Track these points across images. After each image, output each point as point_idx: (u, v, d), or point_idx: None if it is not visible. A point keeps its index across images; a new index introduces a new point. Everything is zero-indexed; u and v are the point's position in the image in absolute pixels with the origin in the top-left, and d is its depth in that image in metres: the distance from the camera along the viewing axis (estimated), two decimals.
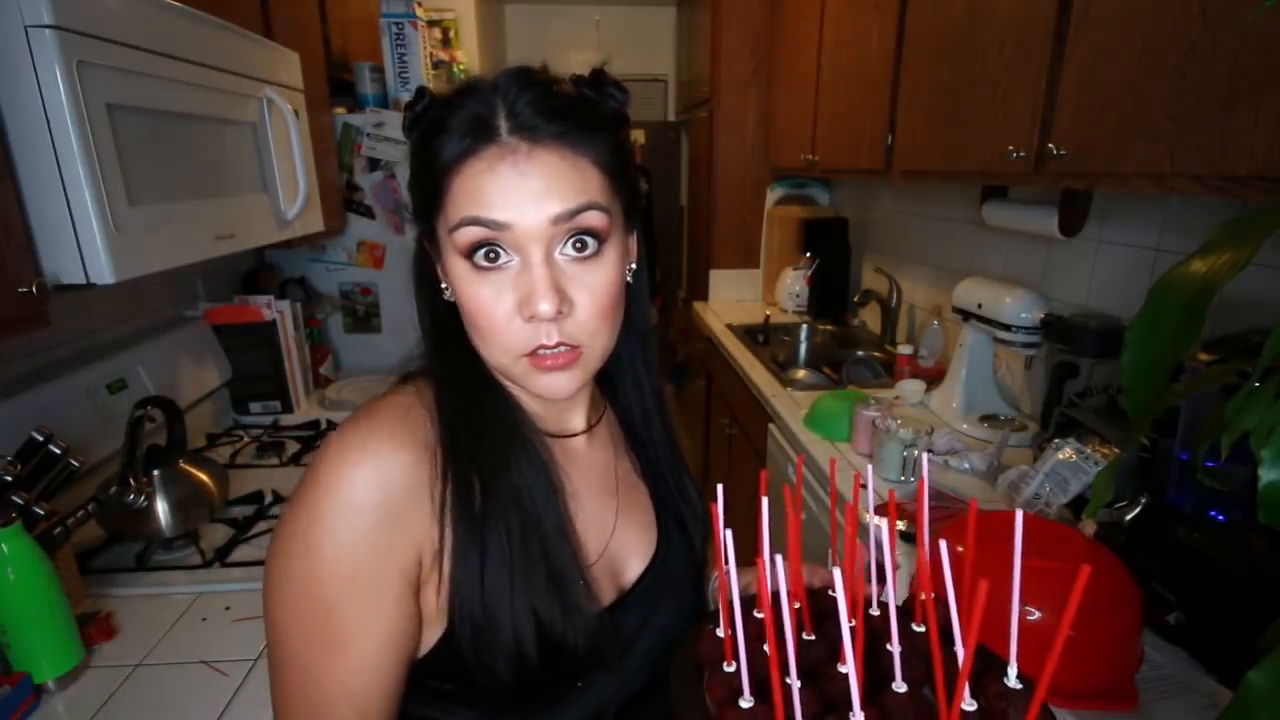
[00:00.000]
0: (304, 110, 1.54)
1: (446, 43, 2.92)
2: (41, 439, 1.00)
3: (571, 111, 0.54)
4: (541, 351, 0.54)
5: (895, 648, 0.47)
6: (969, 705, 0.44)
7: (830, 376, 2.21)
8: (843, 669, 0.48)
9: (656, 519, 0.70)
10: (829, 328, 2.66)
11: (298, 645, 0.52)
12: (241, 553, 1.20)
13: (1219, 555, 0.90)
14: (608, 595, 0.62)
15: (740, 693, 0.46)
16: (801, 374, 2.35)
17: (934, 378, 1.90)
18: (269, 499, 1.38)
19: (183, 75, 1.09)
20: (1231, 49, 0.84)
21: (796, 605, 0.54)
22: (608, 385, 0.72)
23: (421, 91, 0.58)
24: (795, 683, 0.41)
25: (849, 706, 0.41)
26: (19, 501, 0.91)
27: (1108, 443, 1.16)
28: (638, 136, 4.23)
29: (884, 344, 2.36)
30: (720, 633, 0.52)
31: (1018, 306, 1.51)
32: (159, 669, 0.93)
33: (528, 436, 0.60)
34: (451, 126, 0.53)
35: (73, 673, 0.90)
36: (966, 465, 1.44)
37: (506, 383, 0.61)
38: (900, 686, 0.47)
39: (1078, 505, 1.15)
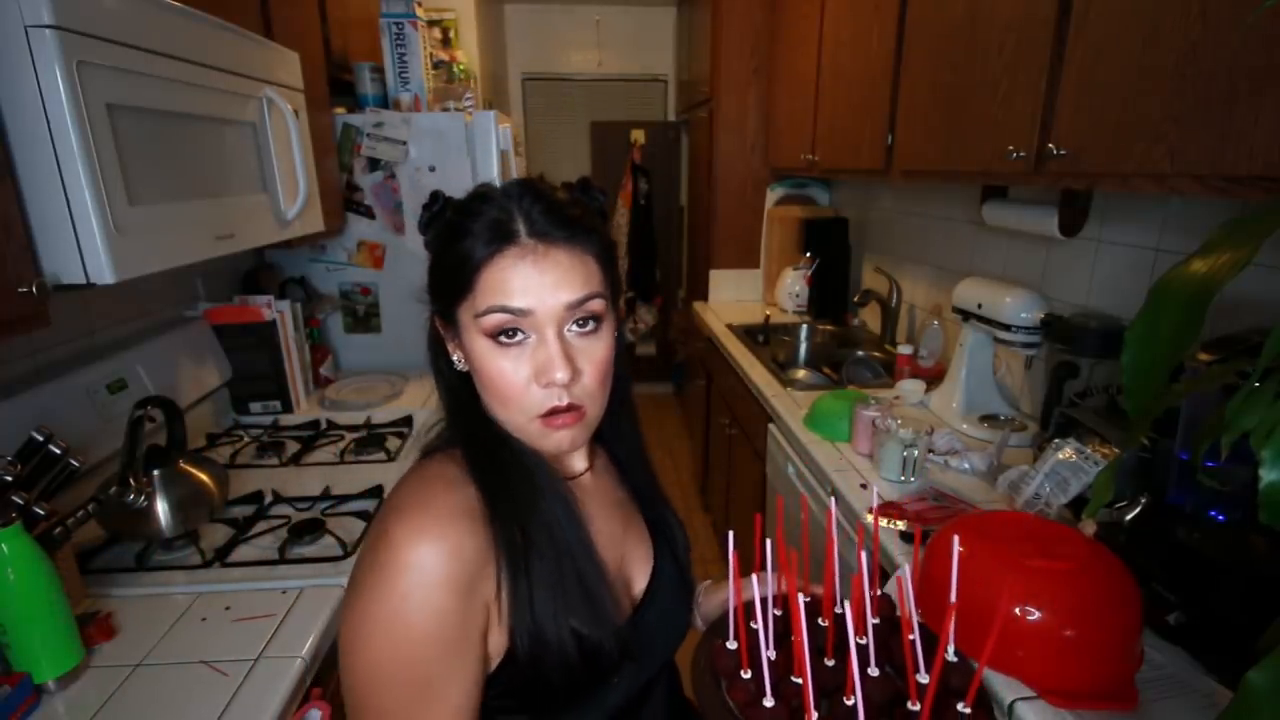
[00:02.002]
0: (304, 110, 1.54)
1: (446, 43, 2.93)
2: (41, 439, 1.00)
3: (574, 219, 0.65)
4: (553, 414, 0.64)
5: (869, 639, 0.60)
6: (922, 678, 0.58)
7: (830, 376, 2.21)
8: (829, 663, 0.63)
9: (651, 536, 0.81)
10: (829, 328, 2.66)
11: (399, 702, 0.59)
12: (241, 553, 1.19)
13: (1219, 555, 0.90)
14: (624, 605, 0.73)
15: (762, 694, 0.59)
16: (801, 374, 2.35)
17: (934, 378, 1.90)
18: (269, 499, 1.38)
19: (183, 75, 1.09)
20: (1231, 49, 0.84)
21: (778, 612, 0.69)
22: (599, 434, 0.81)
23: (437, 195, 0.69)
24: (807, 679, 0.53)
25: (840, 690, 0.58)
26: (19, 501, 0.91)
27: (1108, 443, 1.16)
28: (638, 136, 4.23)
29: (884, 344, 2.36)
30: (730, 645, 0.65)
31: (1018, 306, 1.51)
32: (159, 669, 0.93)
33: (550, 481, 0.69)
34: (476, 231, 0.63)
35: (73, 673, 0.90)
36: (966, 465, 1.44)
37: (518, 438, 0.69)
38: (874, 670, 0.60)
39: (1078, 505, 1.15)
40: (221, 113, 1.21)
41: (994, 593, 0.86)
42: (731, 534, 0.69)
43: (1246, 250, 0.50)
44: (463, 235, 0.64)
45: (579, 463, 0.77)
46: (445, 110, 2.20)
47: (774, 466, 1.93)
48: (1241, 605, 0.87)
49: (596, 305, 0.65)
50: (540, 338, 0.63)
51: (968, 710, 0.56)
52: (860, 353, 2.31)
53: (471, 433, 0.69)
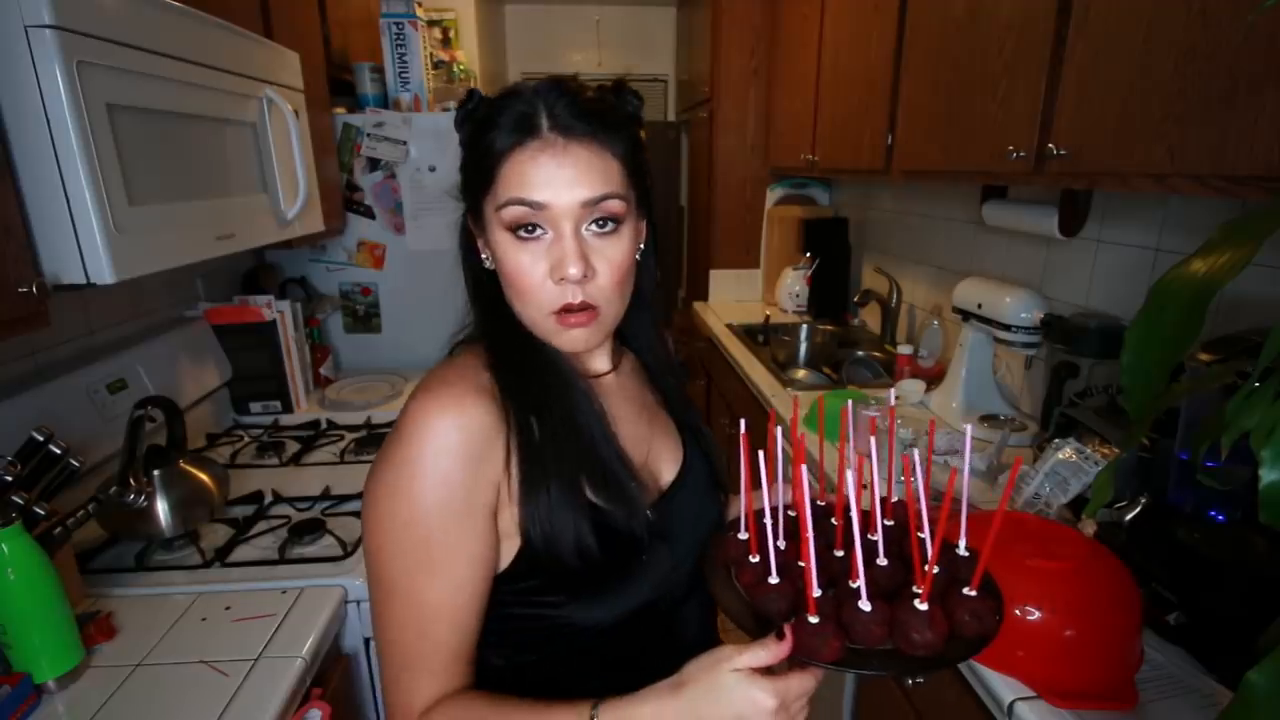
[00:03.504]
0: (304, 110, 1.54)
1: (446, 43, 2.93)
2: (41, 439, 1.00)
3: (599, 114, 0.65)
4: (566, 311, 0.65)
5: (879, 536, 0.63)
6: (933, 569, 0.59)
7: (830, 376, 2.21)
8: (839, 554, 0.65)
9: (680, 437, 0.83)
10: (829, 328, 2.66)
11: (404, 571, 0.62)
12: (241, 553, 1.19)
13: (1219, 555, 0.90)
14: (651, 496, 0.74)
15: (768, 573, 0.61)
16: (801, 374, 2.35)
17: (934, 378, 1.90)
18: (269, 499, 1.38)
19: (183, 75, 1.09)
20: (1232, 49, 0.84)
21: (793, 513, 0.71)
22: (626, 342, 0.84)
23: (473, 93, 0.69)
24: (811, 562, 0.55)
25: (846, 578, 0.59)
26: (19, 501, 0.91)
27: (1108, 443, 1.16)
28: None
29: (884, 344, 2.36)
30: (742, 536, 0.67)
31: (1018, 306, 1.51)
32: (159, 669, 0.93)
33: (569, 372, 0.71)
34: (501, 123, 0.64)
35: (73, 673, 0.90)
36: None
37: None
38: (883, 561, 0.62)
39: (1078, 505, 1.15)
40: (221, 113, 1.21)
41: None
42: (744, 420, 0.72)
43: (1246, 250, 0.50)
44: (490, 128, 0.65)
45: (601, 363, 0.78)
46: (445, 110, 2.20)
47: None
48: (1241, 605, 0.87)
49: (615, 206, 0.65)
50: (557, 234, 0.64)
51: (973, 593, 0.58)
52: (860, 353, 2.31)
53: (496, 326, 0.71)
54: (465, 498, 0.62)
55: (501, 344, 0.70)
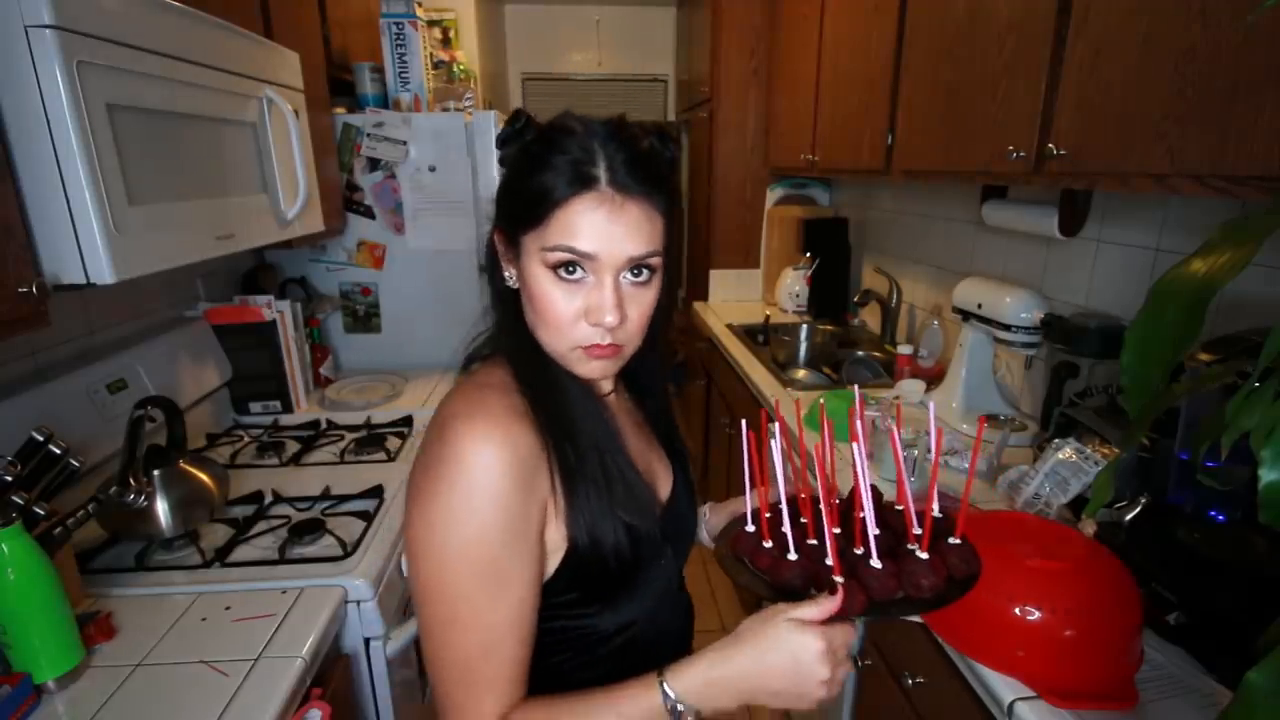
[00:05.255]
0: (304, 110, 1.54)
1: (446, 43, 2.92)
2: (41, 439, 1.00)
3: (653, 174, 0.68)
4: (594, 347, 0.69)
5: (869, 511, 0.68)
6: (916, 530, 0.67)
7: (830, 376, 2.21)
8: (836, 531, 0.70)
9: (668, 455, 0.88)
10: (829, 328, 2.66)
11: (470, 593, 0.64)
12: (241, 553, 1.19)
13: (1219, 555, 0.90)
14: (657, 507, 0.79)
15: (786, 552, 0.67)
16: (801, 374, 2.35)
17: (934, 378, 1.90)
18: (269, 499, 1.38)
19: (183, 75, 1.09)
20: (1232, 49, 0.84)
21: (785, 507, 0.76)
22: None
23: (519, 114, 0.71)
24: (830, 530, 0.64)
25: (850, 548, 0.68)
26: (19, 501, 0.91)
27: (1108, 443, 1.16)
28: None
29: (884, 344, 2.36)
30: (750, 528, 0.74)
31: (1018, 306, 1.51)
32: (159, 669, 0.93)
33: (586, 393, 0.75)
34: (558, 166, 0.66)
35: (73, 673, 0.90)
36: (966, 465, 1.44)
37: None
38: (875, 531, 0.67)
39: (1078, 505, 1.15)
40: (221, 113, 1.21)
41: (993, 591, 0.86)
42: (745, 420, 0.76)
43: (1246, 250, 0.50)
44: (542, 168, 0.66)
45: (606, 383, 0.81)
46: (445, 110, 2.20)
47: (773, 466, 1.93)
48: (1241, 605, 0.87)
49: (655, 262, 0.69)
50: (598, 280, 0.67)
51: (958, 541, 0.67)
52: (860, 353, 2.31)
53: (517, 345, 0.74)
54: (523, 520, 0.65)
55: (526, 363, 0.72)
